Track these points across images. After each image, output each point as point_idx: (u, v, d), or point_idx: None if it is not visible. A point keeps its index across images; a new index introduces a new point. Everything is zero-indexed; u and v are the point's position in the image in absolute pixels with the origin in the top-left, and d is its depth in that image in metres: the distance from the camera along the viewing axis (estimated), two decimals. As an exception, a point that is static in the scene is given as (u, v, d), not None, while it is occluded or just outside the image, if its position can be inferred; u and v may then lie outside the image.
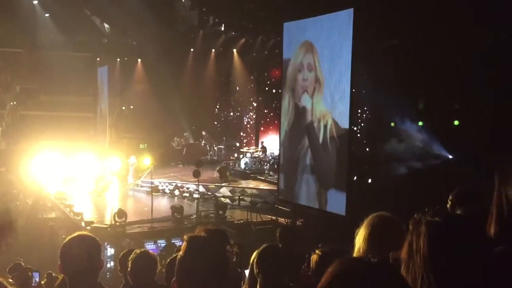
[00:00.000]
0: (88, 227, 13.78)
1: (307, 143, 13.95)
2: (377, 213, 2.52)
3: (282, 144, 15.45)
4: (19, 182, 20.20)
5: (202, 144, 25.57)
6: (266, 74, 25.39)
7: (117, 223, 14.11)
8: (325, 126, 13.25)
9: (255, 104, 26.38)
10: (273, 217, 15.45)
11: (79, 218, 15.06)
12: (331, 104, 13.13)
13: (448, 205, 3.95)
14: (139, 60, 26.45)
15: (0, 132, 26.52)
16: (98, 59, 26.71)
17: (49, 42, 24.11)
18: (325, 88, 13.41)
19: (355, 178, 14.33)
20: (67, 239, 2.83)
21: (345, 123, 12.66)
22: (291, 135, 14.81)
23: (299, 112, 14.37)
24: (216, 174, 19.74)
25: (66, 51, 24.59)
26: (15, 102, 27.51)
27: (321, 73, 13.56)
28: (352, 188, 12.88)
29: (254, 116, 26.67)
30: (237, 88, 26.33)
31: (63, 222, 15.02)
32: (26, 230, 14.45)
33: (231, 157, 24.08)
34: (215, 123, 28.36)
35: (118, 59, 26.54)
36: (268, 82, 25.26)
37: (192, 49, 25.63)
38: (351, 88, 12.46)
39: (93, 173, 20.85)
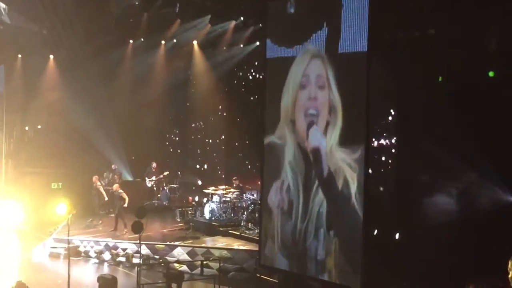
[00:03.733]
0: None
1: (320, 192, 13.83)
2: None
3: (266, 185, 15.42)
4: None
5: (150, 183, 25.38)
6: (241, 76, 25.48)
7: (16, 305, 13.80)
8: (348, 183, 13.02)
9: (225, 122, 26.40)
10: (254, 292, 15.36)
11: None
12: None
13: (509, 276, 3.95)
14: (51, 57, 26.38)
15: None
16: (-12, 55, 26.62)
17: None
18: (343, 121, 13.20)
19: (375, 232, 14.32)
20: None
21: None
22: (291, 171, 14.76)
23: (305, 159, 14.11)
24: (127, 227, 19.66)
25: None
26: None
27: (337, 94, 13.32)
28: (370, 247, 12.87)
29: (224, 140, 26.66)
30: (199, 99, 26.36)
31: None
32: None
33: (191, 201, 23.93)
34: (170, 150, 28.24)
35: (20, 56, 26.43)
36: (243, 90, 25.36)
37: (131, 41, 25.68)
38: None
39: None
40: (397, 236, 14.59)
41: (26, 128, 27.78)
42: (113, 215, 21.75)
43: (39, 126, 27.67)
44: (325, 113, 13.50)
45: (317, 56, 13.71)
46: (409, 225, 13.82)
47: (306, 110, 13.98)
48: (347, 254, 13.02)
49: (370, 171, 13.03)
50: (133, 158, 26.76)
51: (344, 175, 13.02)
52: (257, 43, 22.71)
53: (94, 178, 22.69)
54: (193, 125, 27.55)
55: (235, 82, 25.82)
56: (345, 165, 13.02)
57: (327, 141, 13.43)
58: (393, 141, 15.26)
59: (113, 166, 25.34)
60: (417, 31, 14.07)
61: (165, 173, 25.34)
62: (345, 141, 13.07)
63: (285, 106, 14.61)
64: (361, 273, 12.66)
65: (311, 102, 13.83)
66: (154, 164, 25.82)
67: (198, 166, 27.22)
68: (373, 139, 14.36)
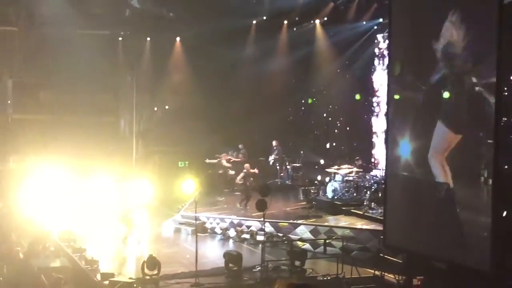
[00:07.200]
0: (106, 282, 14.19)
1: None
2: None
3: (391, 155, 15.22)
4: (10, 215, 21.21)
5: (271, 161, 25.63)
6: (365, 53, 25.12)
7: (147, 277, 14.45)
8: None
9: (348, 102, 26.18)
10: (377, 272, 15.23)
11: (94, 268, 15.55)
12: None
13: None
14: (178, 39, 27.07)
15: (-15, 144, 27.94)
16: (120, 38, 27.64)
17: (52, 17, 25.23)
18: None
19: (504, 213, 13.84)
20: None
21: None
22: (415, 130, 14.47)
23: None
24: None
25: (77, 29, 25.61)
26: (8, 102, 28.91)
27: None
28: (500, 226, 12.45)
29: (347, 120, 26.49)
30: (322, 77, 26.26)
31: (71, 274, 15.53)
32: (19, 283, 15.13)
33: (313, 181, 23.96)
34: (292, 129, 28.25)
35: (148, 39, 27.29)
36: (366, 68, 25.01)
37: (254, 21, 25.91)
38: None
39: (114, 203, 21.46)
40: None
41: (155, 108, 28.71)
42: (238, 193, 22.10)
43: (166, 107, 28.51)
44: None
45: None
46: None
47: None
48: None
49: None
50: (256, 137, 27.00)
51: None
52: (380, 19, 22.40)
53: (223, 155, 22.99)
54: (314, 100, 27.38)
55: (358, 59, 25.43)
56: None
57: None
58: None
59: (240, 146, 25.65)
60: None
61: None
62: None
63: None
64: (490, 255, 12.27)
65: None
66: (274, 142, 25.89)
67: (321, 146, 27.15)
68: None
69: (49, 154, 23.99)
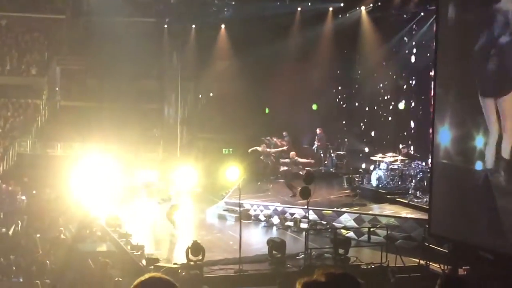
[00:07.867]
0: (151, 267, 14.40)
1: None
2: None
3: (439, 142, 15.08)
4: (58, 200, 21.72)
5: (315, 149, 25.56)
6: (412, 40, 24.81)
7: (191, 263, 14.58)
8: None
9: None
10: (422, 261, 15.14)
11: (139, 253, 15.79)
12: None
13: None
14: (223, 26, 27.11)
15: (34, 130, 28.57)
16: (165, 26, 27.85)
17: (99, 5, 25.58)
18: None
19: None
20: (135, 283, 2.94)
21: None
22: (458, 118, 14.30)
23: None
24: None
25: (123, 17, 25.90)
26: (57, 89, 29.48)
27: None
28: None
29: (395, 107, 26.19)
30: (369, 65, 26.01)
31: (117, 258, 15.83)
32: (66, 267, 15.49)
33: (357, 169, 23.82)
34: (337, 116, 28.07)
35: (194, 26, 27.40)
36: (414, 53, 24.69)
37: (299, 9, 25.79)
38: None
39: (158, 189, 21.71)
40: None
41: (199, 95, 28.88)
42: (282, 180, 22.05)
43: (211, 94, 28.65)
44: None
45: None
46: None
47: None
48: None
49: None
50: (300, 125, 26.90)
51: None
52: (427, 6, 22.08)
53: (262, 147, 23.02)
54: (357, 86, 27.16)
55: (406, 46, 25.08)
56: None
57: None
58: None
59: (284, 133, 25.53)
60: None
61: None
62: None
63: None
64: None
65: None
66: (318, 130, 25.72)
67: (366, 133, 26.92)
68: None
69: (95, 140, 24.38)
